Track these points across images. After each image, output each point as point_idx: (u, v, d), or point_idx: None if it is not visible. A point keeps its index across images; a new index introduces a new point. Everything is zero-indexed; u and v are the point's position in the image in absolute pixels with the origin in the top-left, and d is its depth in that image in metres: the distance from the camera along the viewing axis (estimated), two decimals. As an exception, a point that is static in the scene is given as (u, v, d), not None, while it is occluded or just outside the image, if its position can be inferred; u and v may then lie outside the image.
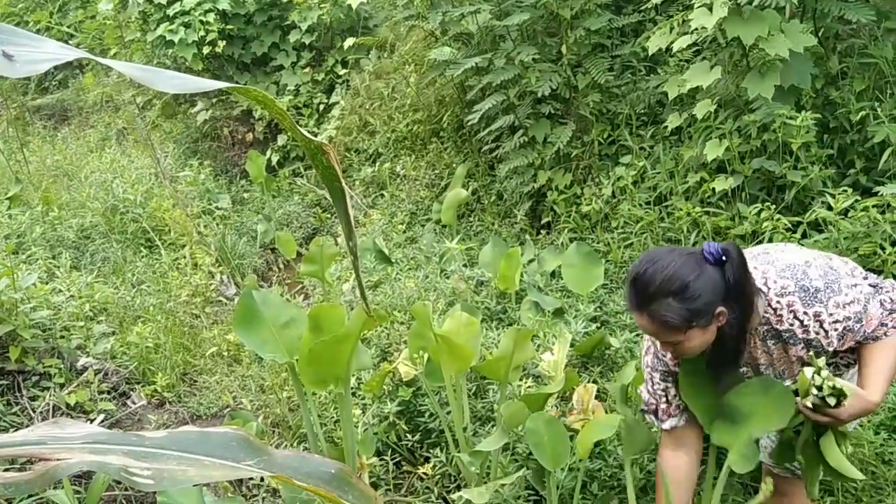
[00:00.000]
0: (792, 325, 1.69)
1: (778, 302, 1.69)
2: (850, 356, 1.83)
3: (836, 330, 1.67)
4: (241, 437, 0.91)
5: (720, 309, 1.65)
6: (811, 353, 1.66)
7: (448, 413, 2.47)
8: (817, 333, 1.68)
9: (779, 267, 1.71)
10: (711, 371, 1.80)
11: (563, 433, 2.04)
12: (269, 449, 0.92)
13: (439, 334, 2.16)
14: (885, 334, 1.69)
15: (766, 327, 1.73)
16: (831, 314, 1.66)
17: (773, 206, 2.91)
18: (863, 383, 1.69)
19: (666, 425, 1.89)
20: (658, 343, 1.81)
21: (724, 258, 1.64)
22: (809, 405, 1.60)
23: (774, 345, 1.75)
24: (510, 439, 2.44)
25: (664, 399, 1.88)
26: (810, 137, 2.93)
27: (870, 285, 1.73)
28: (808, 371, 1.61)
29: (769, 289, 1.70)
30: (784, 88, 2.93)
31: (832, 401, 1.57)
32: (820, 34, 3.11)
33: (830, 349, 1.70)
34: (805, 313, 1.67)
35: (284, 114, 0.89)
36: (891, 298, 1.70)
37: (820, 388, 1.58)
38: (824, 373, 1.59)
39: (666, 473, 1.87)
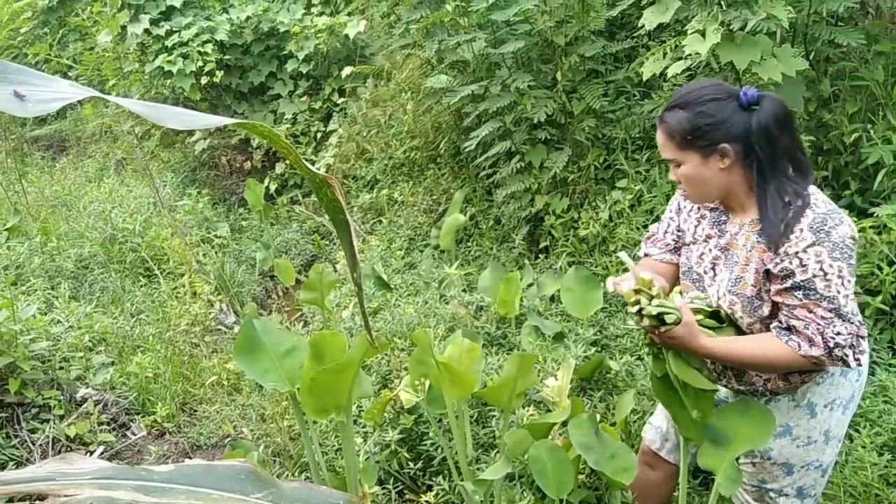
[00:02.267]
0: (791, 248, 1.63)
1: (801, 230, 1.62)
2: (783, 383, 1.80)
3: (822, 275, 1.60)
4: (249, 469, 0.91)
5: (725, 146, 1.65)
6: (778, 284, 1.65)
7: (450, 441, 2.46)
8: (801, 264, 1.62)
9: (833, 239, 1.60)
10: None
11: (566, 461, 2.03)
12: (276, 481, 0.92)
13: (441, 361, 2.16)
14: (791, 332, 1.65)
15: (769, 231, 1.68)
16: (830, 267, 1.60)
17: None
18: (724, 339, 1.71)
19: (643, 251, 2.03)
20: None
21: (756, 105, 1.64)
22: (634, 310, 1.69)
23: (758, 242, 1.71)
24: (515, 469, 2.43)
25: (663, 229, 1.99)
26: (805, 160, 2.96)
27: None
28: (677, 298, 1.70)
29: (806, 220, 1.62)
30: (777, 112, 2.97)
31: (647, 321, 1.67)
32: (811, 58, 3.15)
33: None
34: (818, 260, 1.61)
35: (290, 148, 0.91)
36: (846, 331, 1.62)
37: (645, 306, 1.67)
38: (656, 303, 1.66)
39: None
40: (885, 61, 3.15)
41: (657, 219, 3.52)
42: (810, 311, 1.61)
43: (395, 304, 3.70)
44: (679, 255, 1.97)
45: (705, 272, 1.84)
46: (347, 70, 5.87)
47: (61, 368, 3.38)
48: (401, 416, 2.75)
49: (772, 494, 1.92)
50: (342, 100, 6.17)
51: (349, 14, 6.02)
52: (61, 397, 3.25)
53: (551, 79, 4.04)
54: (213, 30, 6.20)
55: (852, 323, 1.62)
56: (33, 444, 3.03)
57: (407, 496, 2.71)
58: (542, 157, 4.01)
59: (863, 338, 1.71)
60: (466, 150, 4.26)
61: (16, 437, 3.07)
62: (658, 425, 2.19)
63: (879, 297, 2.75)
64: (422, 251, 4.64)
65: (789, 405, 1.82)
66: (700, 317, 1.74)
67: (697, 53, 2.92)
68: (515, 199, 4.19)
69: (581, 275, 3.17)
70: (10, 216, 5.45)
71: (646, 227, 3.51)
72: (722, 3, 2.94)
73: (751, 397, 1.88)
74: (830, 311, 1.60)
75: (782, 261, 1.63)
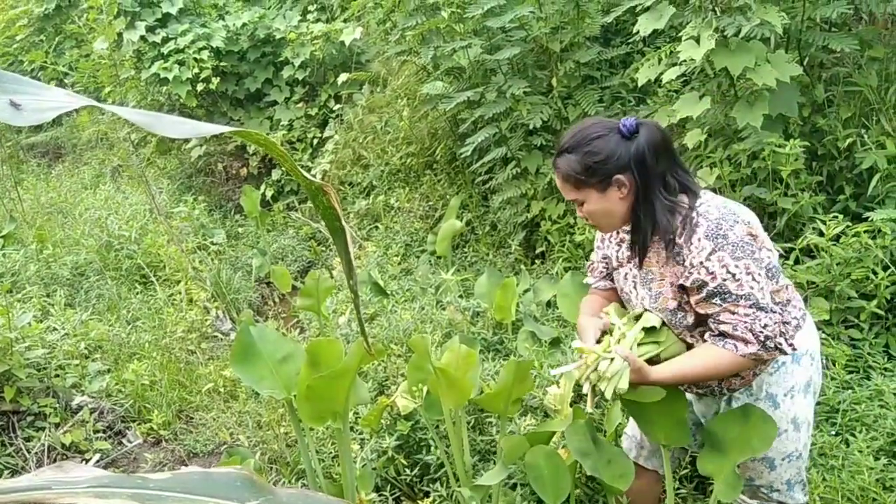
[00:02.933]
0: (691, 251, 1.68)
1: (699, 238, 1.68)
2: (736, 380, 1.83)
3: (730, 275, 1.64)
4: (245, 476, 0.91)
5: (619, 177, 1.72)
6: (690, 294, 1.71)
7: (448, 447, 2.46)
8: (707, 269, 1.65)
9: (732, 240, 1.65)
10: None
11: (563, 467, 2.03)
12: (273, 488, 0.92)
13: (438, 367, 2.16)
14: (725, 337, 1.68)
15: (670, 237, 1.74)
16: (735, 268, 1.64)
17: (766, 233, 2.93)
18: (670, 364, 1.75)
19: (586, 280, 2.11)
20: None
21: (636, 133, 1.71)
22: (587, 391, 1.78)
23: (667, 258, 1.76)
24: (516, 479, 2.43)
25: (596, 258, 2.05)
26: (799, 165, 2.97)
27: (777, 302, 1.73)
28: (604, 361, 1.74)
29: (700, 221, 1.68)
30: (772, 117, 2.98)
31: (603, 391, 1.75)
32: (805, 63, 3.16)
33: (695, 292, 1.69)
34: (719, 262, 1.65)
35: (286, 156, 0.91)
36: (772, 321, 1.65)
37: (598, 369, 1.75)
38: (609, 374, 1.72)
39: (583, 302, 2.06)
40: (878, 67, 3.16)
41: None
42: (733, 313, 1.66)
43: (391, 310, 3.70)
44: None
45: (630, 291, 1.90)
46: (343, 76, 5.88)
47: (57, 376, 3.37)
48: (398, 422, 2.75)
49: (763, 490, 1.95)
50: (338, 106, 6.18)
51: (345, 21, 6.03)
52: (57, 405, 3.24)
53: (547, 85, 4.05)
54: (209, 37, 6.20)
55: (774, 312, 1.66)
56: (28, 452, 3.02)
57: (404, 503, 2.70)
58: (538, 162, 4.02)
59: (791, 321, 1.76)
60: (462, 156, 4.26)
61: (11, 444, 3.06)
62: (632, 434, 2.22)
63: (874, 302, 2.75)
64: (418, 257, 4.64)
65: (750, 400, 1.86)
66: (641, 335, 1.79)
67: (692, 59, 2.93)
68: (511, 205, 4.19)
69: (577, 280, 3.16)
70: (6, 223, 5.44)
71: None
72: (716, 9, 2.96)
73: (712, 398, 1.93)
74: (750, 307, 1.64)
75: (691, 273, 1.68)
